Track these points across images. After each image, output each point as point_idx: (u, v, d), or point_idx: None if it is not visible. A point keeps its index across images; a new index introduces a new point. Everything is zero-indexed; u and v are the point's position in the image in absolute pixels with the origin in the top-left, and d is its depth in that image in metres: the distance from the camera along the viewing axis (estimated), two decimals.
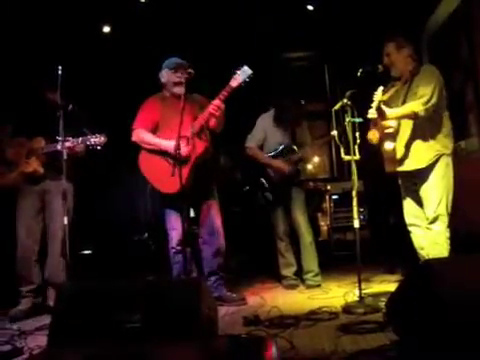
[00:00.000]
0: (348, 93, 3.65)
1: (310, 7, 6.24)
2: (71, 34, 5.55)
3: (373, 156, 3.91)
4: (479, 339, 1.95)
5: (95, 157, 4.12)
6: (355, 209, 3.57)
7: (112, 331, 2.41)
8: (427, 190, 3.66)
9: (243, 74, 3.70)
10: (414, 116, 3.57)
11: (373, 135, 3.78)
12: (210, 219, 4.06)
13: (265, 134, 4.83)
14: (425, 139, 3.65)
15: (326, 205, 6.80)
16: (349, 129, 3.59)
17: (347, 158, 3.65)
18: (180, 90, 3.81)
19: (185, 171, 3.69)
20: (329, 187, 6.79)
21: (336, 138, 3.73)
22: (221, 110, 3.80)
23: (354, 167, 3.60)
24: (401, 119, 3.68)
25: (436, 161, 3.62)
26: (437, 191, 3.62)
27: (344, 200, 6.42)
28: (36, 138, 4.02)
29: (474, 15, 4.80)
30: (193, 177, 3.79)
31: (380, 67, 3.75)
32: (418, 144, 3.67)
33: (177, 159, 3.56)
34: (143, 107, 4.09)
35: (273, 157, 4.76)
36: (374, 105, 3.52)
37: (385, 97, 3.66)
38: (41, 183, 4.08)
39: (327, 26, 6.48)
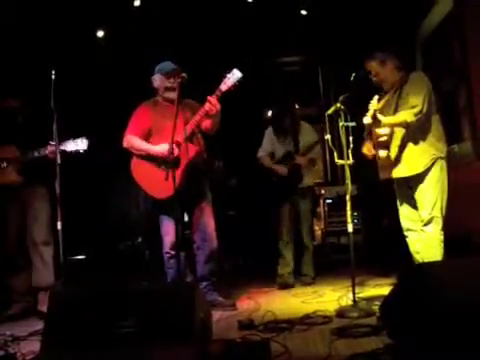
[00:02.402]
0: (341, 97, 3.67)
1: (304, 11, 6.27)
2: (64, 38, 5.55)
3: (366, 160, 3.92)
4: (473, 341, 1.95)
5: (90, 162, 4.12)
6: (349, 213, 3.58)
7: (106, 336, 2.40)
8: (422, 192, 3.68)
9: (233, 77, 3.73)
10: (406, 125, 3.61)
11: (368, 150, 3.82)
12: (203, 224, 4.04)
13: (273, 145, 5.21)
14: (418, 144, 3.68)
15: (320, 209, 6.80)
16: (342, 133, 3.61)
17: (341, 162, 3.66)
18: (173, 95, 3.79)
19: (177, 175, 3.67)
20: (323, 191, 6.80)
21: (330, 142, 3.74)
22: (217, 109, 3.78)
23: (348, 171, 3.61)
24: (394, 127, 3.70)
25: (431, 165, 3.65)
26: (432, 193, 3.64)
27: (338, 204, 6.43)
28: (6, 147, 4.02)
29: (467, 19, 4.82)
30: (186, 181, 3.78)
31: None
32: (412, 150, 3.69)
33: (169, 163, 3.56)
34: (134, 114, 4.08)
35: (277, 163, 5.12)
36: (369, 114, 3.53)
37: (380, 105, 3.67)
38: (19, 191, 4.06)
39: (320, 30, 6.50)
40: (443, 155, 3.69)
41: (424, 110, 3.58)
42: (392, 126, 3.69)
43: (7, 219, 4.10)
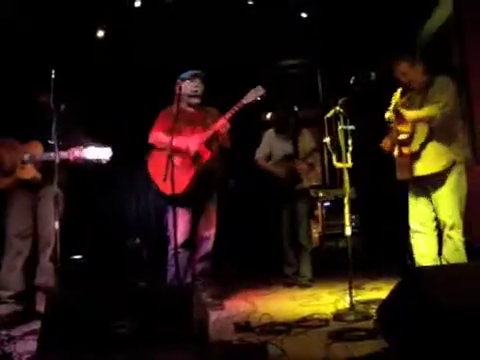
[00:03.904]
0: (341, 101, 3.68)
1: (304, 14, 6.28)
2: (65, 38, 5.55)
3: (367, 163, 3.93)
4: (470, 345, 1.95)
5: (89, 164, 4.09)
6: (347, 216, 3.58)
7: (103, 337, 2.39)
8: (443, 197, 3.68)
9: (256, 93, 3.96)
10: (429, 119, 3.61)
11: (385, 144, 3.85)
12: (205, 225, 4.16)
13: (270, 147, 5.26)
14: (440, 145, 3.67)
15: (318, 212, 6.79)
16: (341, 136, 3.61)
17: (339, 165, 3.67)
18: (196, 101, 4.10)
19: (190, 174, 3.89)
20: (321, 194, 6.79)
21: (329, 145, 3.75)
22: (227, 129, 3.98)
23: (346, 174, 3.62)
24: (417, 122, 3.67)
25: (450, 168, 3.66)
26: (453, 198, 3.64)
27: (336, 207, 6.42)
28: (32, 142, 3.96)
29: (465, 25, 4.84)
30: (196, 181, 3.93)
31: (372, 75, 3.77)
32: (433, 150, 3.67)
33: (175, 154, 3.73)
34: (160, 115, 4.25)
35: (276, 165, 5.16)
36: (391, 107, 3.52)
37: (403, 99, 3.65)
38: (34, 188, 4.03)
39: (321, 33, 6.51)
40: (461, 159, 3.70)
41: (449, 105, 3.58)
42: (415, 121, 3.66)
43: (25, 215, 4.05)
